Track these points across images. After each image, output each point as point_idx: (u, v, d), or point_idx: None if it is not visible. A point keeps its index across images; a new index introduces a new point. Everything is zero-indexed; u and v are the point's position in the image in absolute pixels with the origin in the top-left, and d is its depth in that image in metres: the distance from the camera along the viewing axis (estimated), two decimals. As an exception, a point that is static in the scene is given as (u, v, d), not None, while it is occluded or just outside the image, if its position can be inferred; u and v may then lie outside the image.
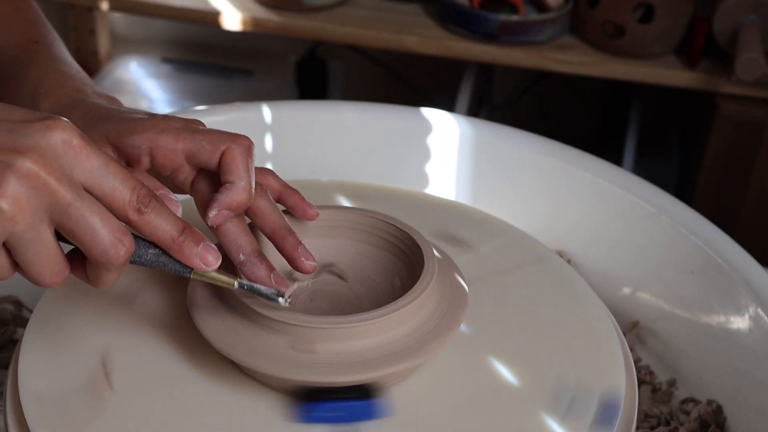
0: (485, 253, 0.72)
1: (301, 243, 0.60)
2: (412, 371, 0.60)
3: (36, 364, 0.60)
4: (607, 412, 0.59)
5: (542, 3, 1.62)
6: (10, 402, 0.59)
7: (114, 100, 0.67)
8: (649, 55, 1.59)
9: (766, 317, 0.70)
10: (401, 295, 0.58)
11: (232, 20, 1.68)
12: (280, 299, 0.56)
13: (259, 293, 0.56)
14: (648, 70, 1.58)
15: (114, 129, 0.58)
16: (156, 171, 0.59)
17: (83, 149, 0.51)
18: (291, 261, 0.60)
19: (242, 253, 0.58)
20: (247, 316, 0.58)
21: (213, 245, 0.55)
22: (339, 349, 0.56)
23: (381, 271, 0.64)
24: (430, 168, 0.92)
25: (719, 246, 0.77)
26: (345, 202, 0.77)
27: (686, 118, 1.91)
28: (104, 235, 0.51)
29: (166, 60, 2.16)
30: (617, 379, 0.61)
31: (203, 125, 0.60)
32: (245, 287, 0.56)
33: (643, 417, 0.75)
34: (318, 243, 0.65)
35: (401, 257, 0.63)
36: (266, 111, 0.91)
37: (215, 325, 0.58)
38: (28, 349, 0.61)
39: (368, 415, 0.56)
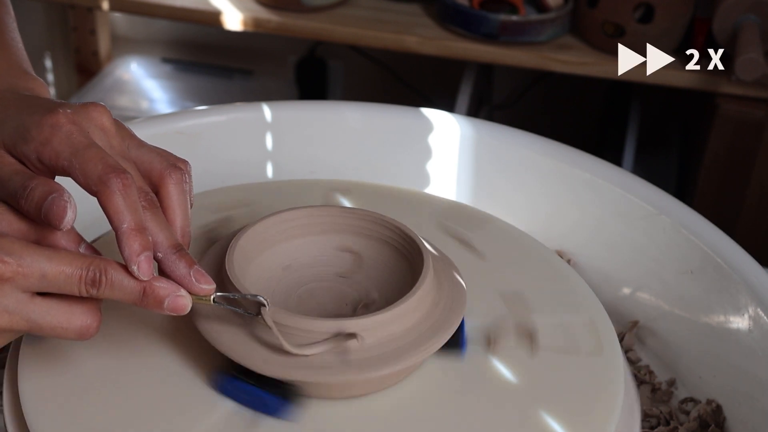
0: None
1: (195, 263, 0.55)
2: (407, 374, 0.60)
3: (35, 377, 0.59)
4: None
5: (542, 3, 1.62)
6: (8, 401, 0.59)
7: (37, 84, 0.64)
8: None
9: (765, 317, 0.70)
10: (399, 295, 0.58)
11: (232, 20, 1.68)
12: (263, 314, 0.55)
13: (236, 308, 0.56)
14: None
15: (8, 136, 0.56)
16: None
17: (19, 272, 0.51)
18: (182, 284, 0.55)
19: (159, 251, 0.55)
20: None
21: (183, 294, 0.54)
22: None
23: (382, 270, 0.64)
24: (430, 168, 0.92)
25: (719, 246, 0.77)
26: (345, 202, 0.77)
27: (686, 118, 1.91)
28: (72, 329, 0.53)
29: (166, 60, 2.16)
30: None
31: (100, 114, 0.57)
32: (223, 304, 0.56)
33: (643, 417, 0.75)
34: (301, 242, 0.65)
35: (399, 255, 0.63)
36: (266, 111, 0.91)
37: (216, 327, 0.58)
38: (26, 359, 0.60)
39: (269, 410, 0.56)
